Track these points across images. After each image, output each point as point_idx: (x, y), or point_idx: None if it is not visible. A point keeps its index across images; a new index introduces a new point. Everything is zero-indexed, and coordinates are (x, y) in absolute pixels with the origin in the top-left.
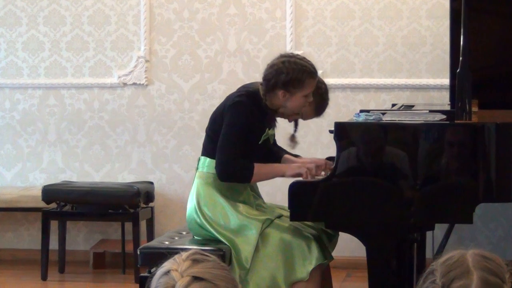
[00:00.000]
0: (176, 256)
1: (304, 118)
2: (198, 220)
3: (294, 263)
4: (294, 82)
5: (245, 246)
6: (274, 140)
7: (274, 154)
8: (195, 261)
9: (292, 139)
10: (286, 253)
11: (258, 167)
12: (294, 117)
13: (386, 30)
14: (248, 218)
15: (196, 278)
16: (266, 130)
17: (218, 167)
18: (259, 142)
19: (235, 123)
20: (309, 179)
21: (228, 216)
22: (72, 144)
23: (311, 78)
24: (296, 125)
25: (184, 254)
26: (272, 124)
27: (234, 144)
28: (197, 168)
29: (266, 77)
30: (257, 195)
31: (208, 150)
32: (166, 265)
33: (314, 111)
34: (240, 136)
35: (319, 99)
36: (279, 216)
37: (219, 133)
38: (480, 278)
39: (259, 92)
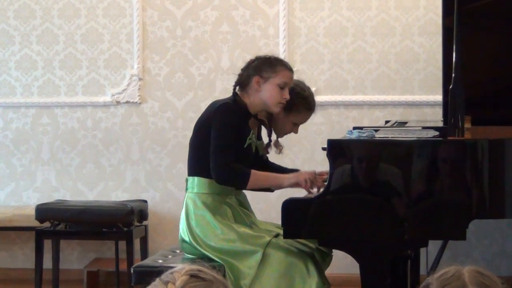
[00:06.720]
0: (174, 270)
1: (295, 122)
2: (189, 241)
3: (293, 286)
4: (265, 65)
5: (244, 271)
6: (267, 158)
7: (266, 167)
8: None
9: (276, 144)
10: (285, 275)
11: (255, 174)
12: (274, 114)
13: (379, 47)
14: (246, 244)
15: None
16: (251, 133)
17: (214, 171)
18: (244, 146)
19: (226, 124)
20: (311, 189)
21: (222, 238)
22: (66, 163)
23: (282, 66)
24: (270, 134)
25: (183, 270)
26: (254, 127)
27: (227, 146)
28: (186, 189)
29: (240, 73)
30: (250, 213)
31: (195, 168)
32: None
33: (302, 110)
34: (231, 136)
35: (300, 100)
36: (276, 235)
37: (204, 145)
38: None
39: (239, 99)
